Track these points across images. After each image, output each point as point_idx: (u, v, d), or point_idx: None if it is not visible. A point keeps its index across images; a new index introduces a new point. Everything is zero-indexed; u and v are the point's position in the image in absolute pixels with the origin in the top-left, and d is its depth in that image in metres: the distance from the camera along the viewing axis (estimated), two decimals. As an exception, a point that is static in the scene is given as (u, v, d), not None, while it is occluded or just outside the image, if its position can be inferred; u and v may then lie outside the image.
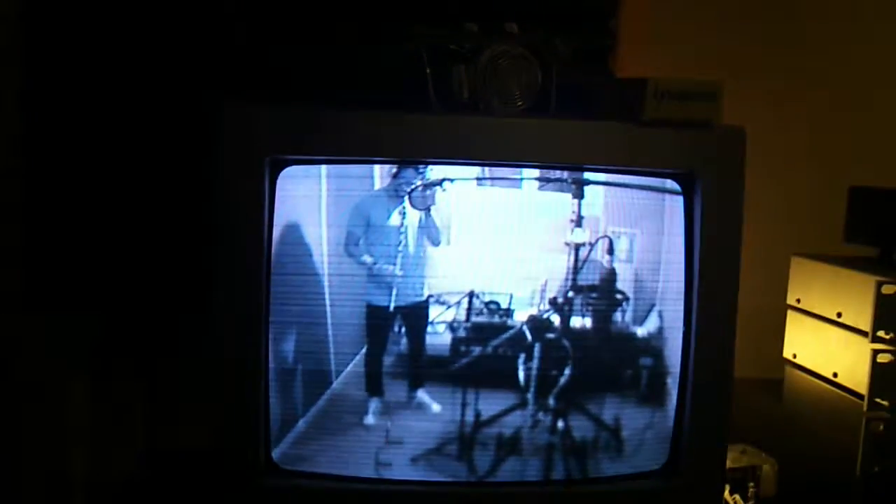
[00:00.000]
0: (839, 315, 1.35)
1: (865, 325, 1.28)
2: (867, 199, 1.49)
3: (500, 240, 1.13)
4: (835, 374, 1.36)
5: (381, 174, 1.12)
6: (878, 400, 1.26)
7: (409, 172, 1.12)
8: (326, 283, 1.12)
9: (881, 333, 1.26)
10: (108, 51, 1.43)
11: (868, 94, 1.71)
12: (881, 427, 1.26)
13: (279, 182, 1.10)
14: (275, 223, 1.10)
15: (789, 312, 1.49)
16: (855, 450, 1.27)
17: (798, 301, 1.47)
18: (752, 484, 1.36)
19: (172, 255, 1.46)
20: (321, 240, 1.12)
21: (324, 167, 1.12)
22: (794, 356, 1.47)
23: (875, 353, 1.26)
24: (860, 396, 1.29)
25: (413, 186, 1.12)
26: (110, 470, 1.49)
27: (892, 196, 1.46)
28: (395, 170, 1.12)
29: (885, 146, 1.70)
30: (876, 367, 1.26)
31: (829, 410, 1.36)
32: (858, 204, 1.50)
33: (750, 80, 1.61)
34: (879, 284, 1.26)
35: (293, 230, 1.11)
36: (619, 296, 1.16)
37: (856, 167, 1.63)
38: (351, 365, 1.13)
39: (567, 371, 1.16)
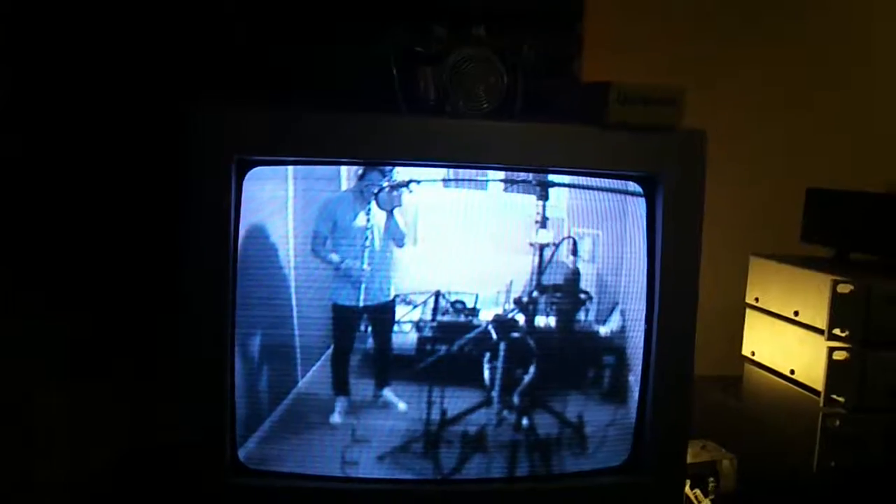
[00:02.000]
0: (796, 314, 1.38)
1: (821, 323, 1.31)
2: (824, 200, 1.53)
3: (465, 240, 1.15)
4: (792, 371, 1.39)
5: (347, 175, 1.13)
6: (834, 396, 1.29)
7: (376, 174, 1.13)
8: (293, 283, 1.12)
9: (836, 331, 1.29)
10: (97, 54, 1.42)
11: (825, 96, 1.75)
12: (837, 423, 1.29)
13: (246, 183, 1.11)
14: (241, 223, 1.11)
15: (748, 311, 1.52)
16: (812, 445, 1.30)
17: (756, 300, 1.50)
18: (712, 479, 1.38)
19: (144, 256, 1.46)
20: (288, 240, 1.12)
21: (290, 168, 1.12)
22: (753, 353, 1.50)
23: (831, 350, 1.29)
24: (817, 393, 1.32)
25: (379, 187, 1.13)
26: (80, 470, 1.48)
27: (847, 198, 1.49)
28: (361, 171, 1.13)
29: (840, 148, 1.74)
30: (832, 365, 1.29)
31: (787, 407, 1.39)
32: (815, 205, 1.54)
33: (710, 83, 1.64)
34: (835, 283, 1.29)
35: (260, 230, 1.12)
36: (582, 295, 1.18)
37: (812, 169, 1.67)
38: (317, 364, 1.13)
39: (531, 369, 1.17)
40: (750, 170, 1.71)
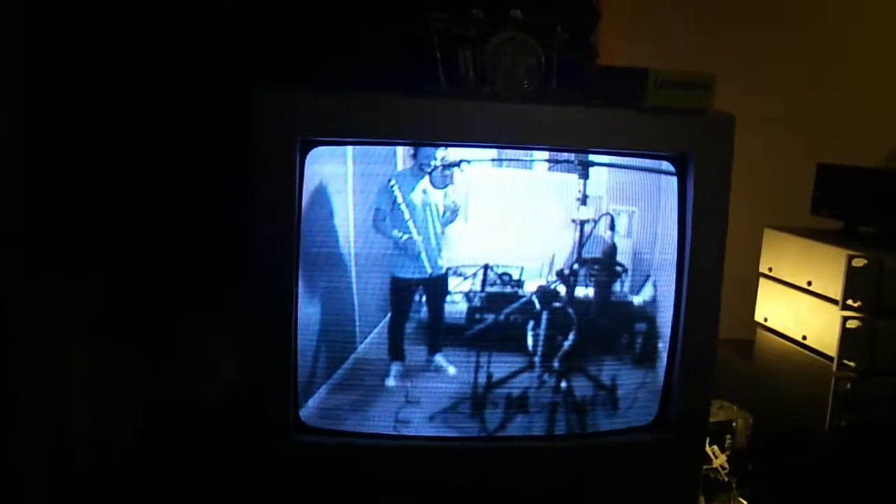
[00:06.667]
0: (809, 283, 1.47)
1: (835, 293, 1.40)
2: (833, 175, 1.61)
3: (512, 217, 1.23)
4: (804, 337, 1.48)
5: (403, 155, 1.20)
6: (845, 361, 1.39)
7: (430, 154, 1.20)
8: (353, 256, 1.20)
9: (850, 301, 1.38)
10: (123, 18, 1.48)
11: (837, 75, 1.83)
12: (848, 385, 1.39)
13: (307, 161, 1.18)
14: (304, 200, 1.18)
15: (761, 280, 1.61)
16: (823, 405, 1.40)
17: (770, 269, 1.59)
18: (728, 436, 1.48)
19: (183, 212, 1.53)
20: (348, 215, 1.20)
21: (349, 148, 1.19)
22: (766, 320, 1.60)
23: (845, 319, 1.38)
24: (828, 357, 1.41)
25: (433, 167, 1.21)
26: (117, 427, 1.54)
27: (856, 173, 1.58)
28: (416, 152, 1.20)
29: (851, 125, 1.82)
30: (845, 332, 1.38)
31: (798, 369, 1.48)
32: (825, 179, 1.62)
33: (724, 57, 1.71)
34: (850, 258, 1.38)
35: (322, 207, 1.19)
36: (618, 268, 1.27)
37: (822, 145, 1.75)
38: (375, 331, 1.22)
39: (571, 336, 1.26)
40: (762, 145, 1.78)
